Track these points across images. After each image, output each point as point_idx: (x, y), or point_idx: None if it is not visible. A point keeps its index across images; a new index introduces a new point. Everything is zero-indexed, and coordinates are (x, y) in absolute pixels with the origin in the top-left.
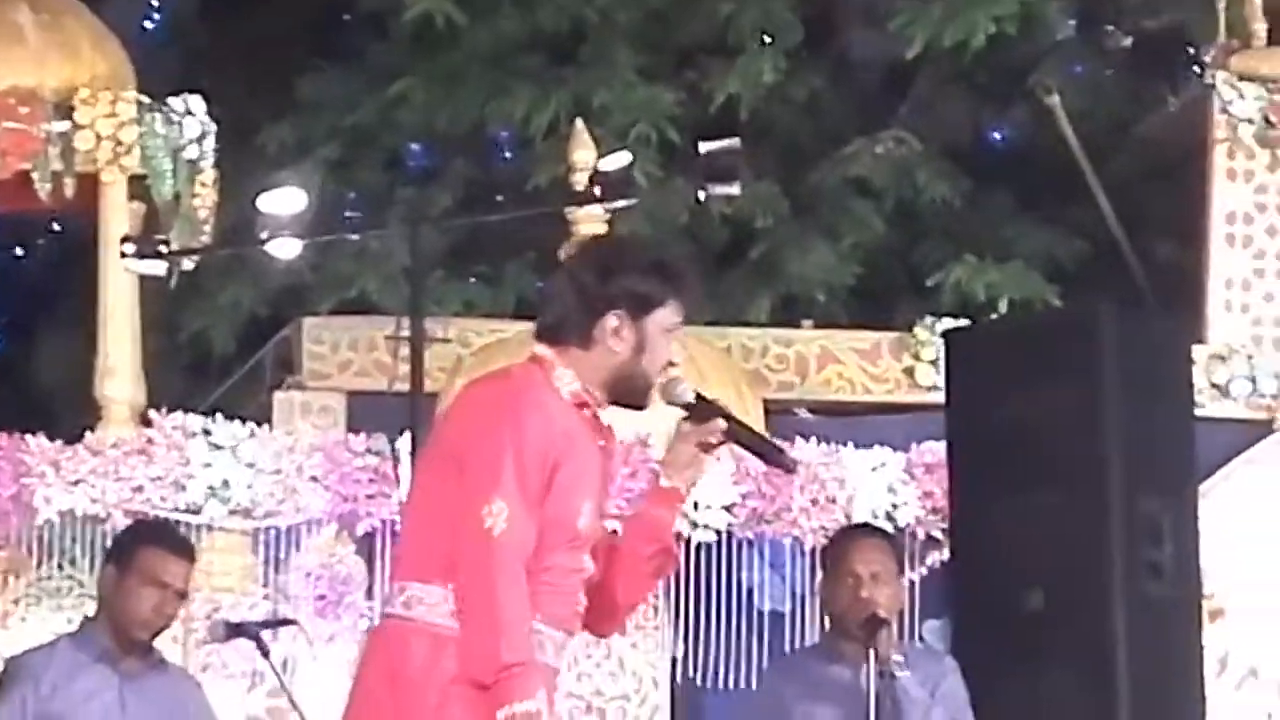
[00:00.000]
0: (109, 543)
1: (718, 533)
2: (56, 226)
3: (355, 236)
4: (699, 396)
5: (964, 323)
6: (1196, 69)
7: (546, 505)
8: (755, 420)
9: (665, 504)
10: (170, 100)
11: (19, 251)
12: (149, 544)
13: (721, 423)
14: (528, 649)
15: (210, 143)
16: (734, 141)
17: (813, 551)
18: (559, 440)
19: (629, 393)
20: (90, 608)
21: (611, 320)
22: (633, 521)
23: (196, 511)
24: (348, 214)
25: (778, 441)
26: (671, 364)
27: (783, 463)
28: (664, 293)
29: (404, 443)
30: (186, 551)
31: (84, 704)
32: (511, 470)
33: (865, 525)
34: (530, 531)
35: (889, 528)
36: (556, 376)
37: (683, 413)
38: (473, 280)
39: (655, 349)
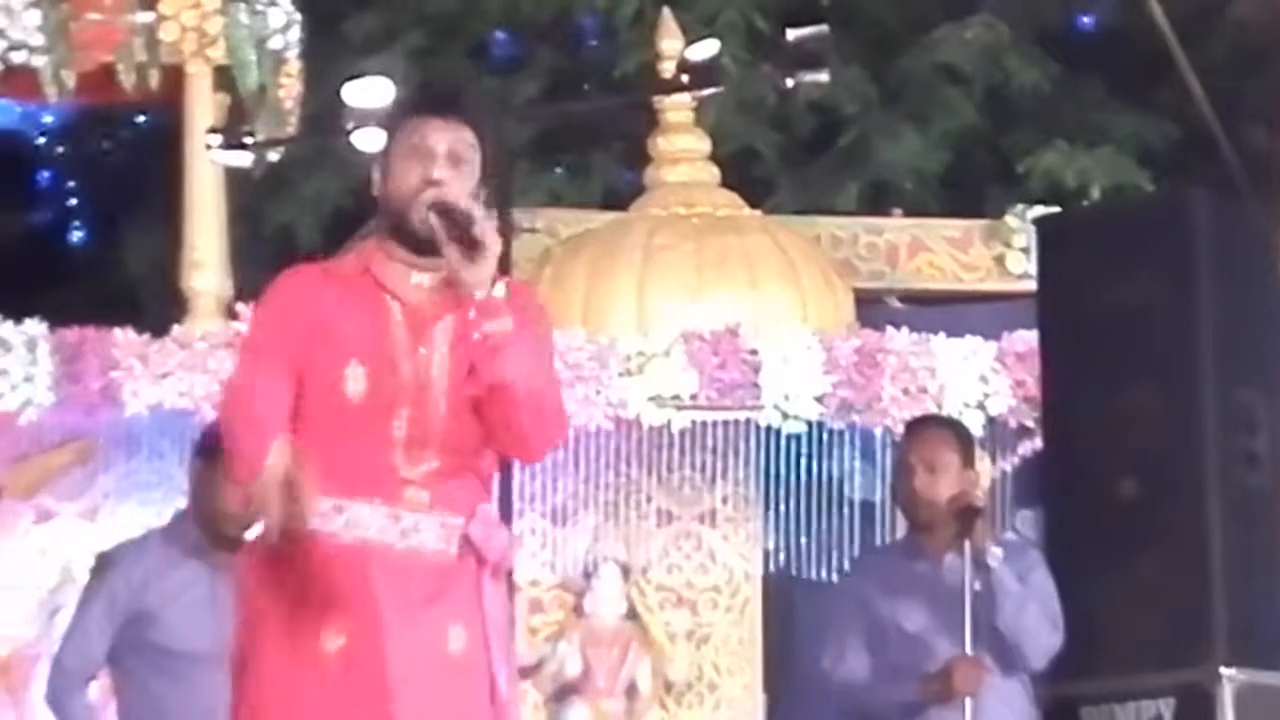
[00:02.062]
0: (197, 436)
1: (808, 423)
2: (141, 118)
3: None
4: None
5: (1055, 210)
6: None
7: (306, 374)
8: (845, 309)
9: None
10: None
11: (104, 144)
12: None
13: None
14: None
15: (295, 33)
16: (822, 28)
17: None
18: (305, 313)
19: (400, 226)
20: (179, 502)
21: (374, 169)
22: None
23: None
24: None
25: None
26: (431, 182)
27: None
28: (397, 117)
29: None
30: None
31: (175, 597)
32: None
33: (929, 416)
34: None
35: (980, 417)
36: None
37: None
38: (558, 170)
39: (394, 170)
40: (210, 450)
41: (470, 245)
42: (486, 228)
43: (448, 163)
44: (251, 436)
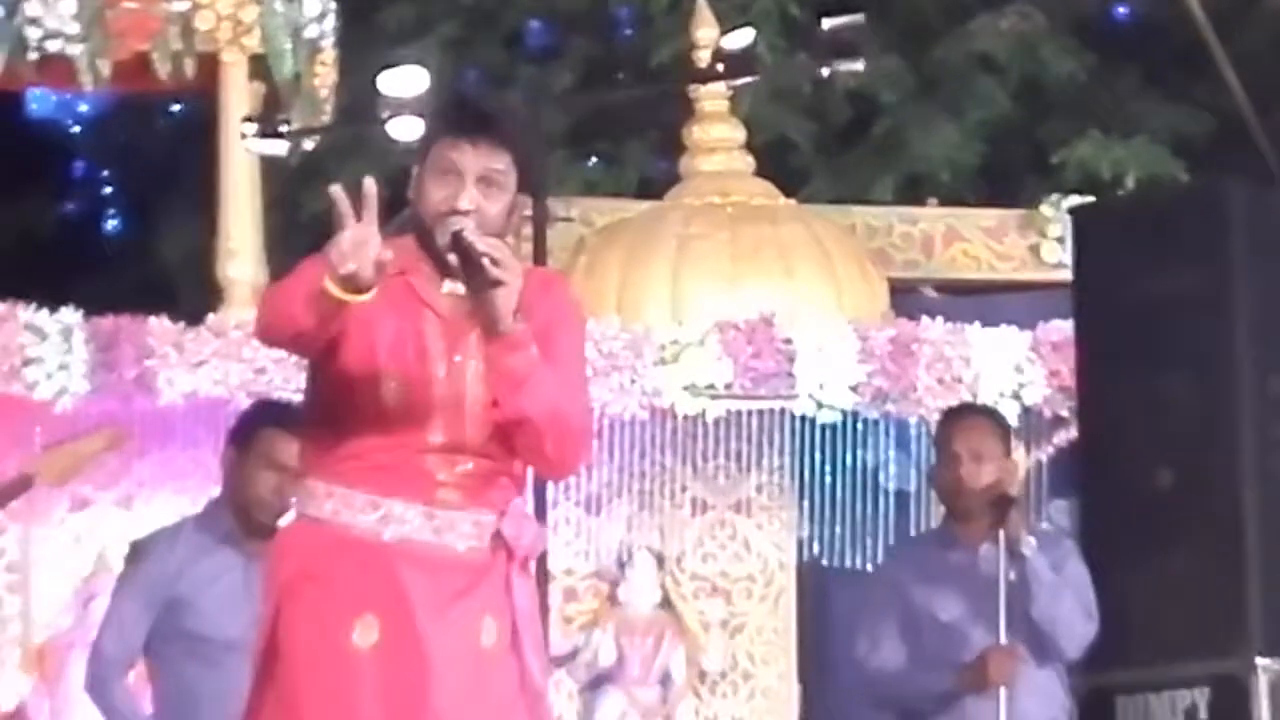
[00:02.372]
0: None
1: (843, 413)
2: (176, 107)
3: None
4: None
5: (1090, 200)
6: None
7: (338, 358)
8: (880, 298)
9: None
10: None
11: (139, 133)
12: (268, 425)
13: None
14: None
15: (330, 21)
16: (858, 17)
17: None
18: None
19: (424, 233)
20: (214, 490)
21: (413, 172)
22: None
23: None
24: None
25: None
26: (456, 210)
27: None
28: (431, 134)
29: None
30: None
31: (209, 586)
32: None
33: (968, 405)
34: None
35: (1015, 407)
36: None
37: None
38: (594, 160)
39: (424, 189)
40: (244, 438)
41: (489, 284)
42: (507, 265)
43: (479, 186)
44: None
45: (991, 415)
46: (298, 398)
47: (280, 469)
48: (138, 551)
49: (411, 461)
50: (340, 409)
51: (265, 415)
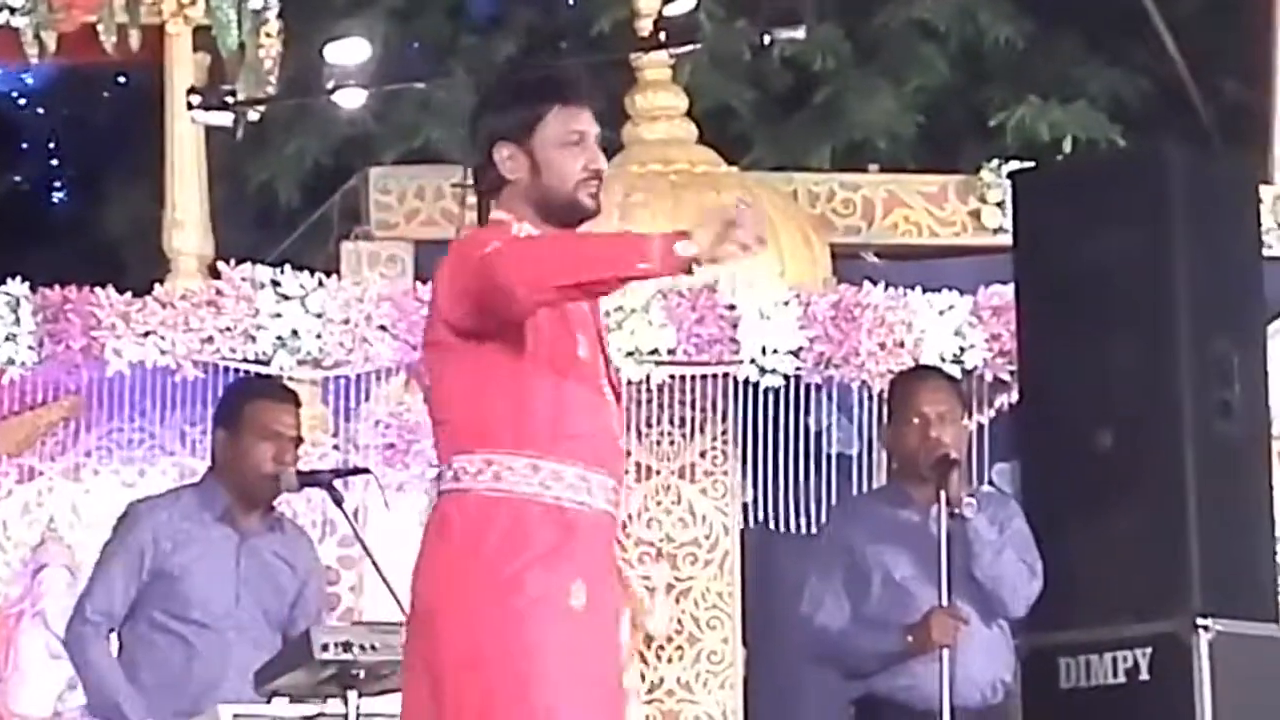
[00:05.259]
0: (179, 394)
1: (785, 377)
2: (122, 79)
3: (420, 86)
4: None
5: (1030, 165)
6: None
7: (544, 340)
8: (822, 264)
9: None
10: None
11: (86, 105)
12: (254, 398)
13: None
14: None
15: None
16: None
17: (880, 395)
18: None
19: (556, 211)
20: (161, 460)
21: (502, 151)
22: None
23: (266, 362)
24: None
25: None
26: (599, 174)
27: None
28: (539, 107)
29: None
30: (291, 398)
31: (199, 561)
32: None
33: (929, 367)
34: None
35: (956, 371)
36: (516, 231)
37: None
38: None
39: (552, 163)
40: (233, 416)
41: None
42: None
43: (597, 147)
44: (610, 239)
45: (950, 378)
46: (244, 367)
47: (276, 436)
48: (131, 517)
49: (609, 431)
50: (553, 389)
51: (250, 390)
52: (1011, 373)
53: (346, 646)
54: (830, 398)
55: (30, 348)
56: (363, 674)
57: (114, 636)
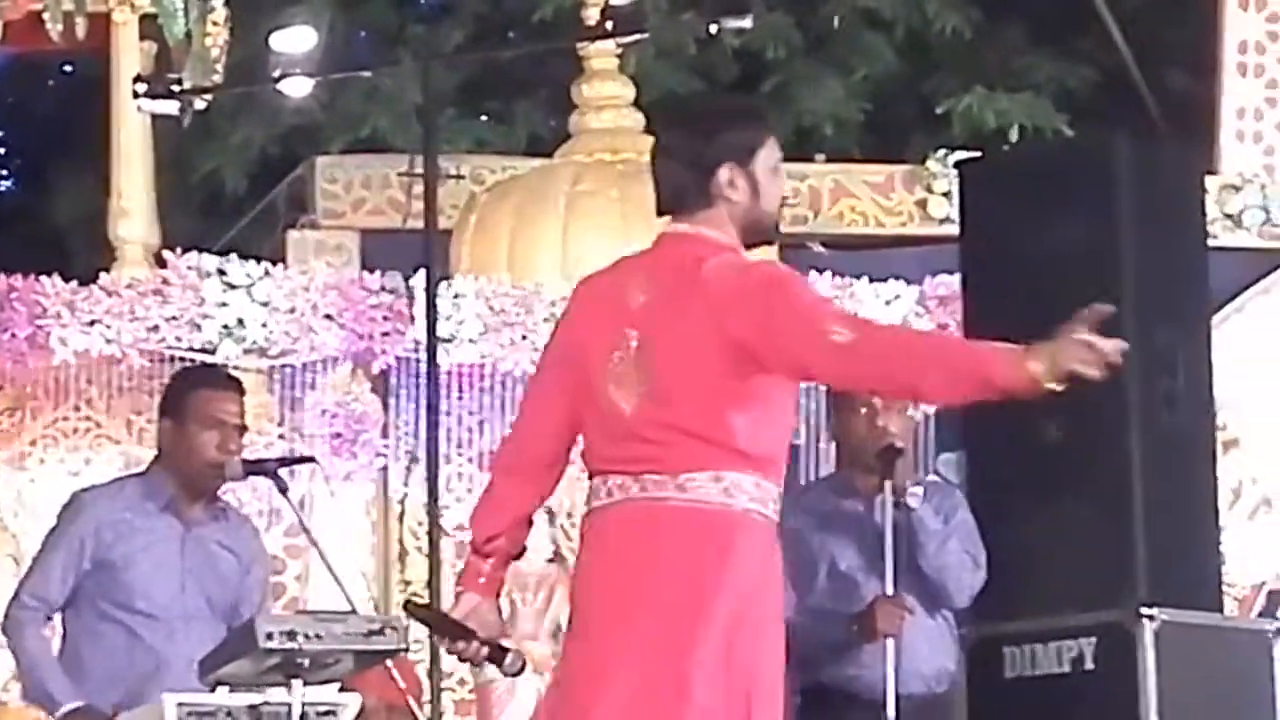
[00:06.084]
0: (125, 383)
1: None
2: (68, 67)
3: (366, 74)
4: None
5: (976, 154)
6: None
7: None
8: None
9: None
10: None
11: (32, 93)
12: (197, 388)
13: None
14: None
15: None
16: None
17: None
18: None
19: (758, 234)
20: (106, 448)
21: (724, 174)
22: None
23: (212, 351)
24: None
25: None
26: (784, 200)
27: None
28: (760, 134)
29: (418, 280)
30: (235, 385)
31: (142, 551)
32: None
33: None
34: None
35: None
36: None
37: None
38: (484, 118)
39: (767, 188)
40: (177, 406)
41: None
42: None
43: None
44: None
45: None
46: (190, 356)
47: (220, 425)
48: (75, 506)
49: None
50: (779, 427)
51: (195, 379)
52: None
53: (291, 635)
54: None
55: None
56: (307, 663)
57: (57, 624)
